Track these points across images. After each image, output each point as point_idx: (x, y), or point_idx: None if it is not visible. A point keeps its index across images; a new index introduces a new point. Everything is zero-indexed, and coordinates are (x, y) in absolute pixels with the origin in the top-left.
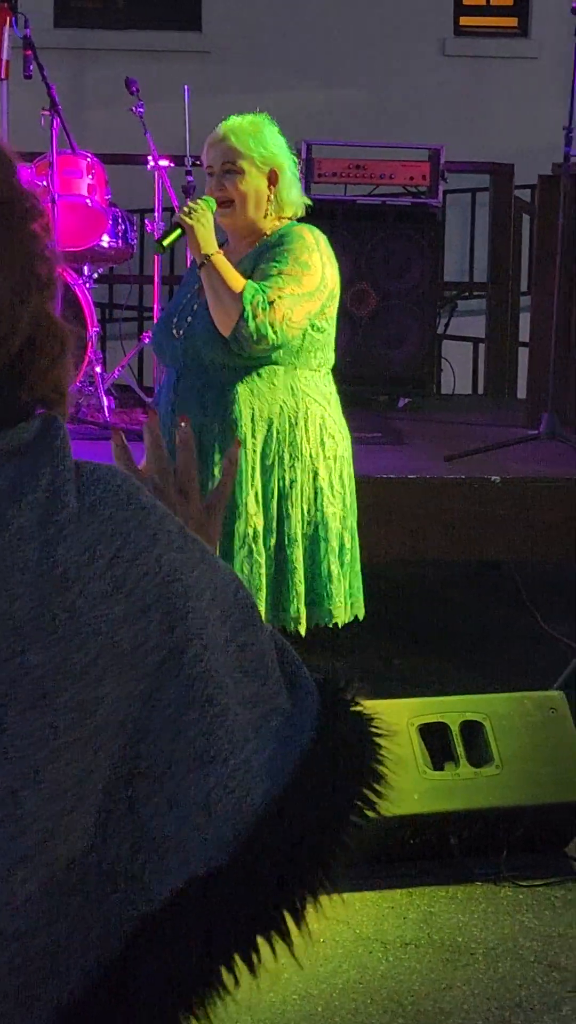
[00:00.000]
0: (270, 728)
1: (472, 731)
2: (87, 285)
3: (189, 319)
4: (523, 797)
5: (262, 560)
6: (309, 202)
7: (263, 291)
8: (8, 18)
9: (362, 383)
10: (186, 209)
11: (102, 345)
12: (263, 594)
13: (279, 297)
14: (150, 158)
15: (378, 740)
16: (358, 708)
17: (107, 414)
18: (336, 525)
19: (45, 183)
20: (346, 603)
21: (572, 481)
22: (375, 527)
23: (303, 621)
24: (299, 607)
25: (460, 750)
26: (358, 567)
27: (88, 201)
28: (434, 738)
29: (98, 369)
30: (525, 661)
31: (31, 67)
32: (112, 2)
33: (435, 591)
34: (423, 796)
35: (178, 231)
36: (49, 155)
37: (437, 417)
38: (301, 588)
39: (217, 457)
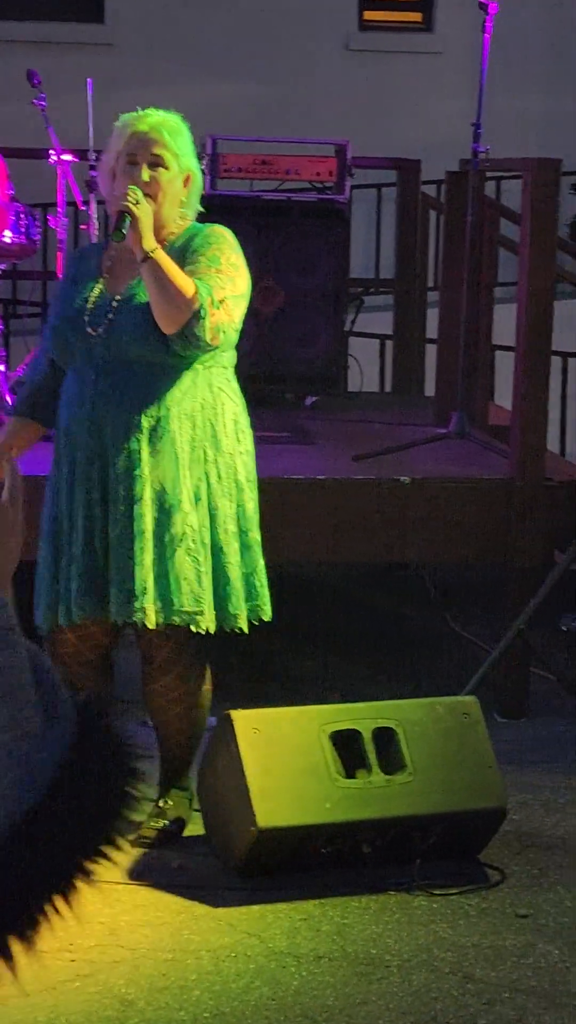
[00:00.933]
0: (20, 752)
1: (384, 738)
2: None
3: (110, 316)
4: (437, 804)
5: (201, 559)
6: (202, 208)
7: (211, 291)
8: None
9: (269, 381)
10: (132, 198)
11: (5, 342)
12: (207, 594)
13: (224, 298)
14: (52, 152)
15: (133, 765)
16: (115, 733)
17: (12, 413)
18: (255, 519)
19: None
20: (269, 596)
21: (482, 481)
22: (284, 528)
23: (243, 617)
24: (239, 603)
25: (372, 757)
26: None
27: None
28: (346, 745)
29: (1, 367)
30: (438, 664)
31: None
32: None
33: (345, 593)
34: (335, 805)
35: (128, 219)
36: None
37: (345, 416)
38: (239, 584)
39: (146, 456)
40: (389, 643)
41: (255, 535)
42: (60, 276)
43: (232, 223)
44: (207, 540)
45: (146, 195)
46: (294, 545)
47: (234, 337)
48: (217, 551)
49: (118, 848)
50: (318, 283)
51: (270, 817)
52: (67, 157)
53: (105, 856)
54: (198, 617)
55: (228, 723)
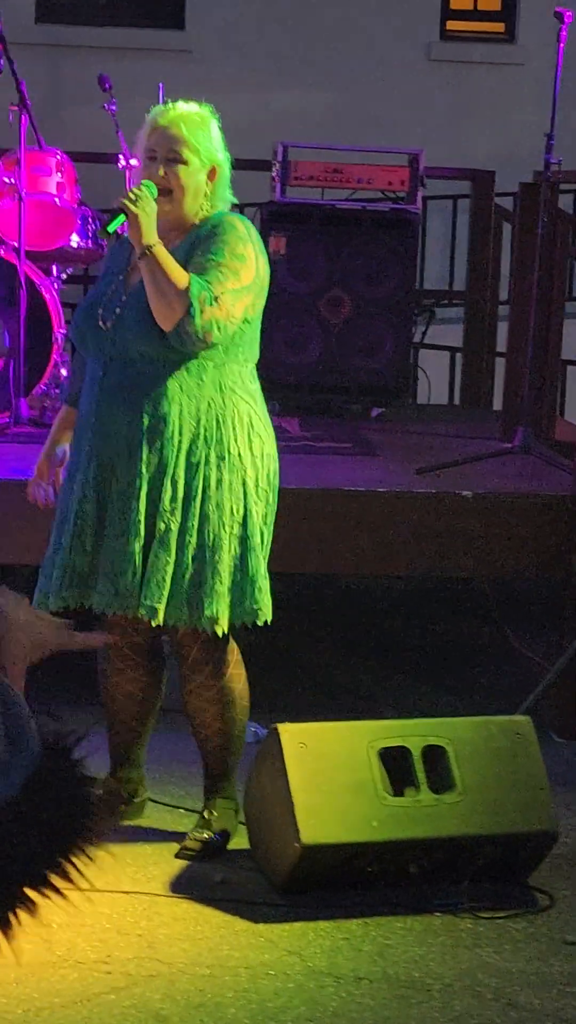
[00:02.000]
0: None
1: (434, 756)
2: (55, 285)
3: (118, 310)
4: (486, 825)
5: (171, 559)
6: (236, 201)
7: (207, 286)
8: None
9: (334, 392)
10: (131, 195)
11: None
12: (165, 592)
13: (222, 292)
14: (121, 156)
15: (91, 800)
16: (77, 767)
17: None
18: (260, 523)
19: (12, 180)
20: (270, 602)
21: (543, 497)
22: (342, 540)
23: (222, 622)
24: (217, 607)
25: (421, 776)
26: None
27: (56, 199)
28: (395, 763)
29: (63, 371)
30: (495, 680)
31: (1, 61)
32: None
33: (406, 606)
34: (382, 823)
35: (122, 216)
36: (17, 152)
37: (411, 428)
38: (223, 588)
39: (145, 453)
40: (448, 658)
41: (257, 539)
42: None
43: (301, 231)
44: (193, 540)
45: (163, 190)
46: (353, 557)
47: (245, 331)
48: (204, 552)
49: (68, 880)
50: (386, 293)
51: (315, 834)
52: (135, 162)
53: (53, 887)
54: (157, 608)
55: (275, 737)
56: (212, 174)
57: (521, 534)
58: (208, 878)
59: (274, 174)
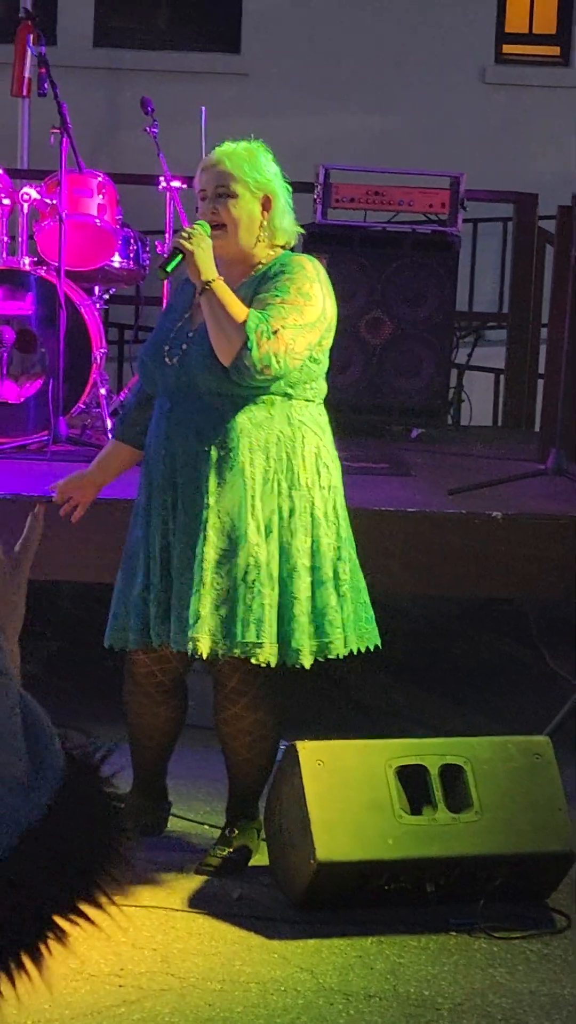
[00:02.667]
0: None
1: (452, 775)
2: (97, 305)
3: (184, 347)
4: (503, 845)
5: (265, 591)
6: (302, 230)
7: (266, 320)
8: (28, 36)
9: (374, 412)
10: (184, 233)
11: (119, 366)
12: (268, 627)
13: (282, 327)
14: (162, 179)
15: (119, 822)
16: (104, 788)
17: (110, 436)
18: (331, 555)
19: (53, 201)
20: (345, 634)
21: (572, 519)
22: (374, 560)
23: (307, 654)
24: (301, 639)
25: (439, 794)
26: (365, 597)
27: (97, 221)
28: (412, 781)
29: (103, 391)
30: (530, 700)
31: (45, 85)
32: (151, 22)
33: (441, 626)
34: (398, 841)
35: (179, 256)
36: (58, 174)
37: (450, 449)
38: (304, 619)
39: (212, 486)
40: (482, 679)
41: (328, 571)
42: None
43: (342, 253)
44: (275, 573)
45: (217, 225)
46: (384, 576)
47: (311, 368)
48: (284, 585)
49: (97, 905)
50: (426, 315)
51: (330, 850)
52: (176, 184)
53: (81, 913)
54: (257, 649)
55: (293, 754)
56: (267, 204)
57: (550, 555)
58: (226, 894)
59: (315, 196)
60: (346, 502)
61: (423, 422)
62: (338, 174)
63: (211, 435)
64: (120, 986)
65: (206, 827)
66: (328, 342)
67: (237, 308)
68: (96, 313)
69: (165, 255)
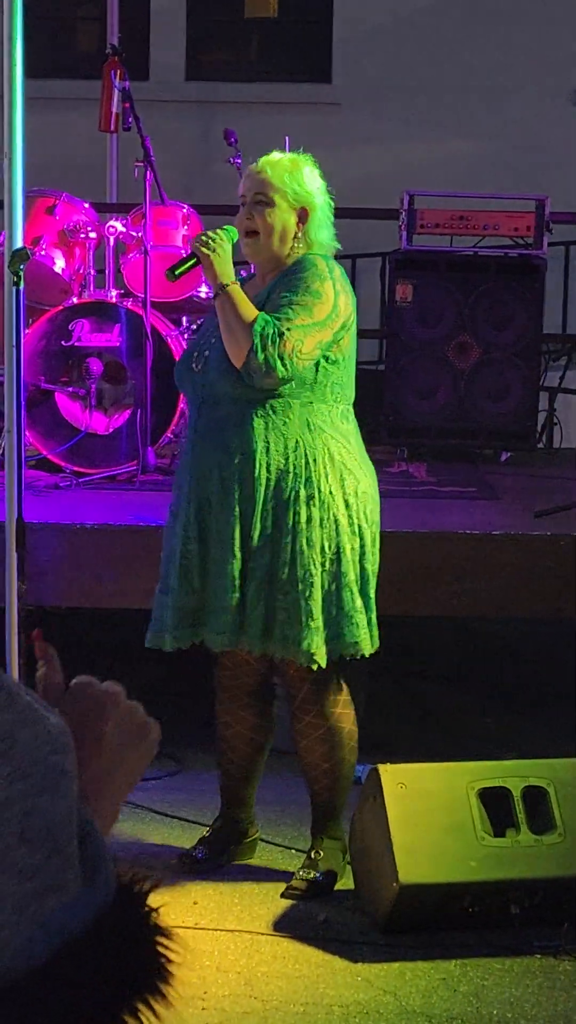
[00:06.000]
0: (43, 906)
1: (535, 797)
2: (184, 336)
3: (206, 352)
4: None
5: (264, 595)
6: (339, 245)
7: (273, 322)
8: (114, 72)
9: (463, 436)
10: (203, 238)
11: None
12: (275, 629)
13: (288, 329)
14: None
15: (163, 961)
16: (152, 919)
17: None
18: (354, 559)
19: (139, 234)
20: (370, 634)
21: None
22: (459, 583)
23: (320, 657)
24: (312, 642)
25: (521, 816)
26: (373, 602)
27: (183, 252)
28: (495, 803)
29: None
30: None
31: (130, 119)
32: (242, 55)
33: (532, 649)
34: (480, 863)
35: (192, 260)
36: (143, 206)
37: (540, 472)
38: (317, 623)
39: (237, 492)
40: (572, 702)
41: (352, 576)
42: None
43: (428, 278)
44: (286, 576)
45: (250, 232)
46: (469, 599)
47: (330, 370)
48: (296, 587)
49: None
50: (514, 338)
51: (413, 873)
52: None
53: None
54: (256, 642)
55: (375, 777)
56: (303, 216)
57: None
58: (312, 917)
59: (400, 223)
60: (424, 523)
61: (512, 445)
62: (423, 200)
63: (231, 442)
64: (203, 1009)
65: (293, 852)
66: (347, 342)
67: (247, 311)
68: (183, 343)
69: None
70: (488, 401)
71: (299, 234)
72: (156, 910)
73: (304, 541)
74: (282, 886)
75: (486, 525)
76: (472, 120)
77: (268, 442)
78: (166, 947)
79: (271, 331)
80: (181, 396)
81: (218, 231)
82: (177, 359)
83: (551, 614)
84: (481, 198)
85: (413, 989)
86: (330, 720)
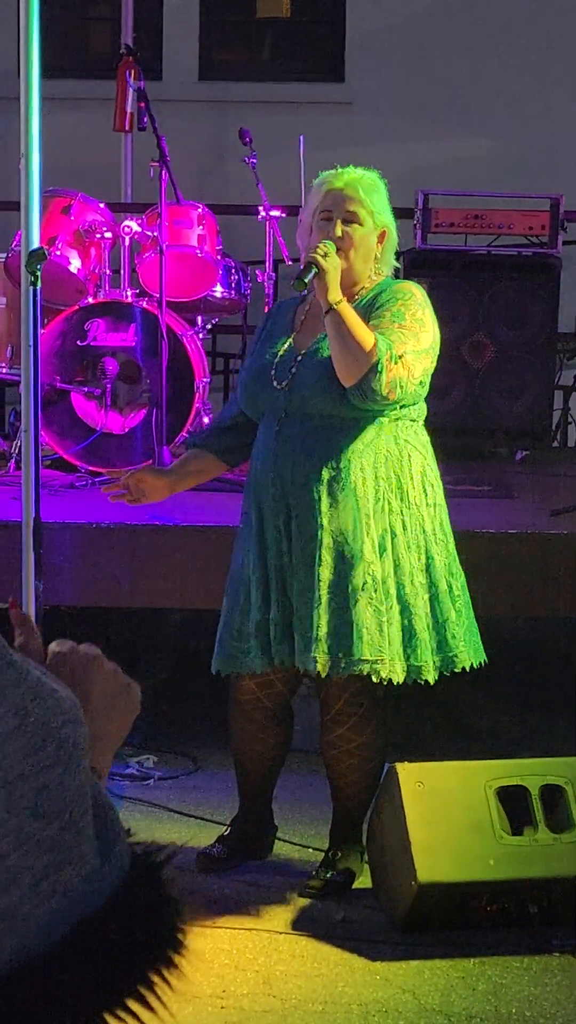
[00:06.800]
0: (59, 878)
1: (553, 795)
2: (200, 336)
3: (293, 370)
4: None
5: (383, 608)
6: (399, 266)
7: (391, 346)
8: (128, 71)
9: (478, 435)
10: (321, 250)
11: (225, 395)
12: (392, 645)
13: (404, 353)
14: (261, 208)
15: (176, 933)
16: (167, 891)
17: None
18: (444, 571)
19: (155, 234)
20: (468, 647)
21: None
22: (477, 581)
23: (431, 669)
24: (424, 654)
25: (539, 815)
26: (472, 613)
27: (198, 252)
28: (513, 802)
29: (206, 419)
30: None
31: (145, 119)
32: (255, 55)
33: (550, 648)
34: (499, 862)
35: (315, 270)
36: (159, 206)
37: (555, 470)
38: (427, 635)
39: (325, 507)
40: None
41: (444, 586)
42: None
43: (443, 277)
44: (392, 591)
45: (338, 250)
46: (487, 598)
47: (419, 391)
48: (403, 602)
49: (147, 1007)
50: (528, 337)
51: (431, 872)
52: (275, 213)
53: (132, 1013)
54: (378, 666)
55: (393, 775)
56: (382, 237)
57: None
58: (330, 916)
59: (415, 222)
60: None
61: (526, 444)
62: (437, 199)
63: (322, 456)
64: (222, 1007)
65: (310, 850)
66: (433, 366)
67: (363, 332)
68: (198, 343)
69: (301, 266)
70: (503, 400)
71: (377, 255)
72: (169, 881)
73: (403, 550)
74: (298, 884)
75: (502, 524)
76: (486, 119)
77: (362, 457)
78: (180, 919)
79: (392, 354)
80: (196, 395)
81: (324, 244)
82: (242, 376)
83: (567, 613)
84: (495, 197)
85: (432, 987)
86: (364, 734)
